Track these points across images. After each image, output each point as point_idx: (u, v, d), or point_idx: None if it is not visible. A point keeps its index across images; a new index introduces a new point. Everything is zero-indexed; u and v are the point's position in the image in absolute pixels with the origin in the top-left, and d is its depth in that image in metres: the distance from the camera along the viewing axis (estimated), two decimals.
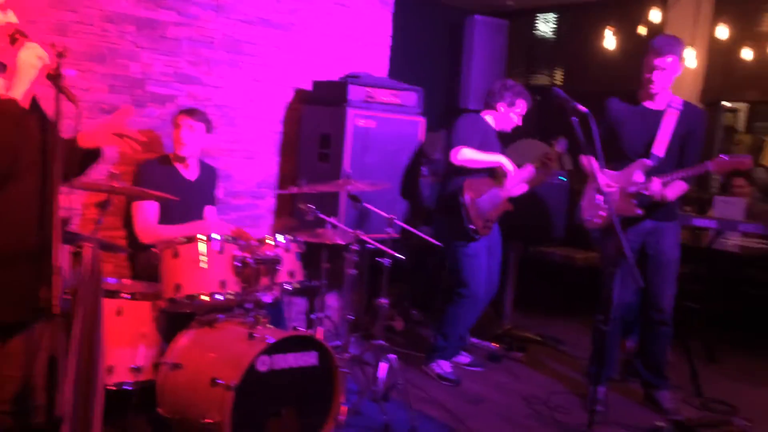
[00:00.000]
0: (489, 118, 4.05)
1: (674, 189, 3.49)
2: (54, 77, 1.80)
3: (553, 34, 7.39)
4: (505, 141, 4.16)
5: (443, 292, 4.32)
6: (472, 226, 3.85)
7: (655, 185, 3.42)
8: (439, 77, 6.31)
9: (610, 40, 6.20)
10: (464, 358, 4.24)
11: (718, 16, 6.03)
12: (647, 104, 3.61)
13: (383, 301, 3.51)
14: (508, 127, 4.06)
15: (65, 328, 2.02)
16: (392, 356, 3.40)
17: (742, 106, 7.72)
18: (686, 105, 3.60)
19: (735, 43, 5.94)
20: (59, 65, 1.83)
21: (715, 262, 4.64)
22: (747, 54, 5.88)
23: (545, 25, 7.45)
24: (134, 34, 3.83)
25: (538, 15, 7.39)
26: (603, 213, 3.58)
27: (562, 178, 4.77)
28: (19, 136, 1.74)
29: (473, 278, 3.94)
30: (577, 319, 5.23)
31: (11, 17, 1.81)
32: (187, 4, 4.00)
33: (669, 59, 3.44)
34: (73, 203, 3.59)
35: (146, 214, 3.43)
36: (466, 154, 3.84)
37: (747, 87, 6.17)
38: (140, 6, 3.83)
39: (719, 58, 6.16)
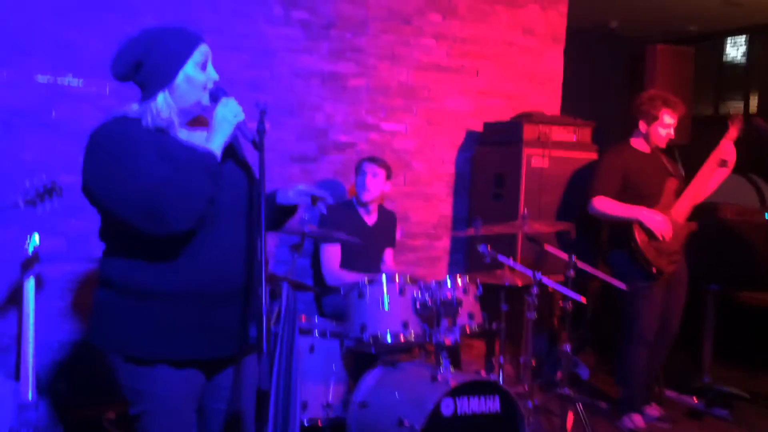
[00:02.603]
0: (637, 144, 3.77)
1: None
2: (258, 145, 1.88)
3: (744, 58, 6.86)
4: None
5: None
6: (653, 269, 3.61)
7: None
8: (618, 112, 6.07)
9: None
10: (653, 410, 3.92)
11: None
12: None
13: (566, 347, 3.37)
14: (661, 143, 3.74)
15: (269, 363, 2.12)
16: (579, 406, 3.23)
17: None
18: None
19: None
20: (263, 122, 1.90)
21: None
22: None
23: (735, 49, 6.94)
24: (319, 87, 4.09)
25: (726, 39, 6.91)
26: None
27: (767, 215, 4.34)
28: (214, 186, 1.84)
29: (641, 316, 3.67)
30: None
31: (212, 74, 1.94)
32: (365, 56, 4.22)
33: None
34: (267, 245, 3.86)
35: (330, 257, 3.60)
36: (602, 206, 3.65)
37: None
38: (324, 61, 4.09)
39: None
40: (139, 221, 1.78)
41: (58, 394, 3.26)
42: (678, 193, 3.72)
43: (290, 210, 2.16)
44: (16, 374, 2.90)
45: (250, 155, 2.02)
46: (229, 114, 1.89)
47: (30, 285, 2.85)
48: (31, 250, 2.88)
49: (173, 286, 1.85)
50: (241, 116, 1.90)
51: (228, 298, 1.93)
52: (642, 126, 3.72)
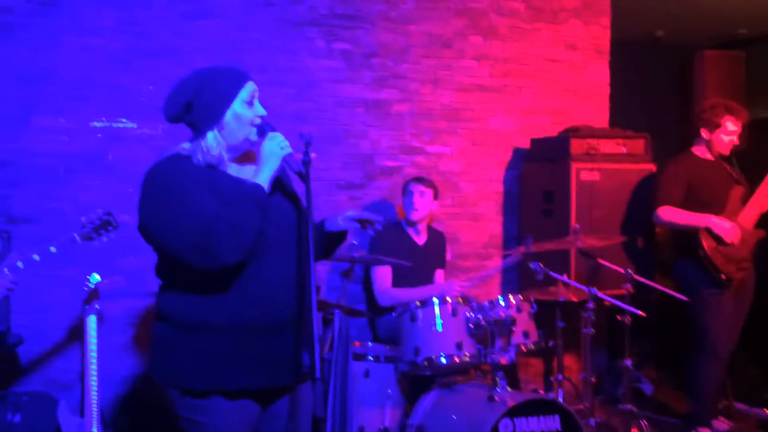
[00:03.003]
0: (699, 152, 3.75)
1: None
2: (304, 177, 1.93)
3: None
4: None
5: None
6: (722, 276, 3.51)
7: None
8: (670, 120, 5.96)
9: None
10: (721, 424, 3.77)
11: None
12: None
13: (627, 362, 3.28)
14: (724, 151, 3.71)
15: (324, 390, 2.12)
16: (643, 423, 3.13)
17: None
18: None
19: None
20: (308, 153, 1.96)
21: None
22: None
23: None
24: (363, 115, 4.15)
25: None
26: None
27: None
28: (263, 218, 1.88)
29: (712, 327, 3.56)
30: None
31: (259, 109, 2.00)
32: (407, 81, 4.26)
33: None
34: (318, 273, 3.91)
35: (382, 278, 3.61)
36: (668, 215, 3.61)
37: None
38: (367, 89, 4.15)
39: None
40: (191, 256, 1.83)
41: (122, 428, 3.35)
42: (744, 200, 3.66)
43: (339, 237, 2.19)
44: (81, 410, 2.99)
45: (299, 186, 2.06)
46: (275, 148, 1.94)
47: (92, 322, 2.95)
48: (91, 287, 2.99)
49: (225, 318, 1.89)
50: (288, 149, 1.95)
51: (279, 328, 1.95)
52: (704, 134, 3.69)
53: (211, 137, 1.93)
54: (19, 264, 2.57)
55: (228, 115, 1.93)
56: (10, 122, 3.46)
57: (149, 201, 1.89)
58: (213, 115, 1.92)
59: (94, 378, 2.91)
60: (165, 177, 1.89)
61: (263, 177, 1.92)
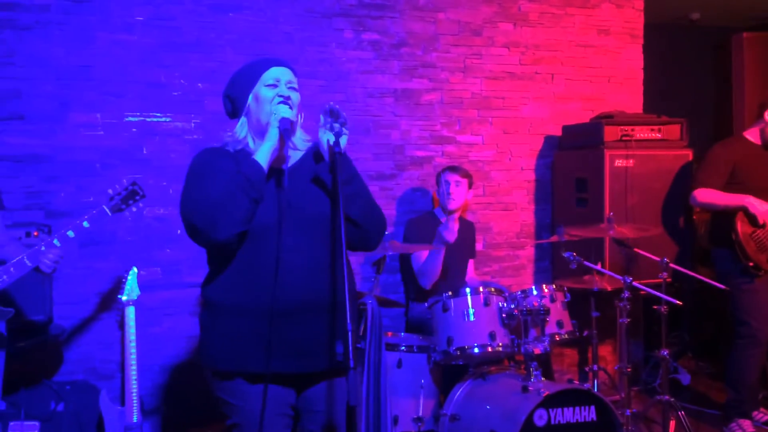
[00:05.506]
0: (751, 136, 3.64)
1: None
2: (334, 153, 1.91)
3: None
4: None
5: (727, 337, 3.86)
6: (750, 264, 3.43)
7: None
8: (706, 104, 5.83)
9: None
10: (762, 415, 3.69)
11: None
12: None
13: (663, 352, 3.23)
14: None
15: (359, 380, 2.13)
16: (681, 414, 3.09)
17: None
18: None
19: None
20: (338, 141, 1.96)
21: None
22: None
23: None
24: (393, 105, 4.14)
25: None
26: None
27: None
28: (252, 195, 1.86)
29: (754, 316, 3.49)
30: None
31: (282, 90, 1.97)
32: (436, 70, 4.24)
33: None
34: (351, 264, 3.91)
35: (422, 257, 3.58)
36: (705, 197, 3.53)
37: None
38: (396, 79, 4.14)
39: None
40: (190, 236, 1.92)
41: (161, 415, 3.42)
42: None
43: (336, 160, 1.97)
44: (122, 399, 3.06)
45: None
46: (273, 119, 1.93)
47: (130, 313, 3.01)
48: (130, 280, 3.05)
49: (244, 299, 1.93)
50: (281, 114, 1.91)
51: (303, 312, 1.93)
52: (767, 115, 3.60)
53: (239, 124, 2.02)
54: (56, 242, 2.64)
55: (250, 99, 1.99)
56: (48, 118, 3.54)
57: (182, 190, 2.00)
58: (240, 102, 2.01)
59: (134, 368, 2.97)
60: (191, 167, 2.00)
61: (261, 152, 1.93)
